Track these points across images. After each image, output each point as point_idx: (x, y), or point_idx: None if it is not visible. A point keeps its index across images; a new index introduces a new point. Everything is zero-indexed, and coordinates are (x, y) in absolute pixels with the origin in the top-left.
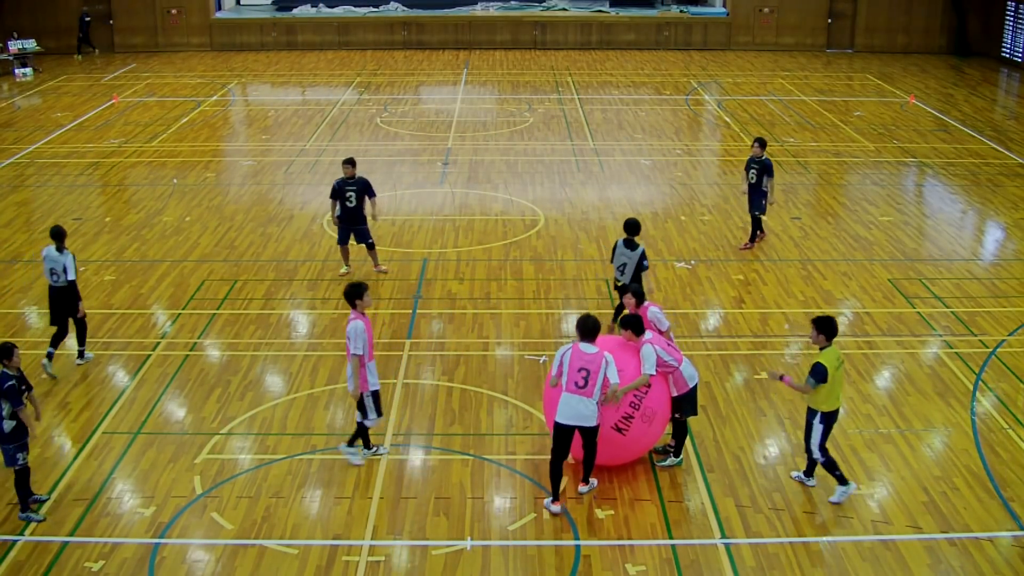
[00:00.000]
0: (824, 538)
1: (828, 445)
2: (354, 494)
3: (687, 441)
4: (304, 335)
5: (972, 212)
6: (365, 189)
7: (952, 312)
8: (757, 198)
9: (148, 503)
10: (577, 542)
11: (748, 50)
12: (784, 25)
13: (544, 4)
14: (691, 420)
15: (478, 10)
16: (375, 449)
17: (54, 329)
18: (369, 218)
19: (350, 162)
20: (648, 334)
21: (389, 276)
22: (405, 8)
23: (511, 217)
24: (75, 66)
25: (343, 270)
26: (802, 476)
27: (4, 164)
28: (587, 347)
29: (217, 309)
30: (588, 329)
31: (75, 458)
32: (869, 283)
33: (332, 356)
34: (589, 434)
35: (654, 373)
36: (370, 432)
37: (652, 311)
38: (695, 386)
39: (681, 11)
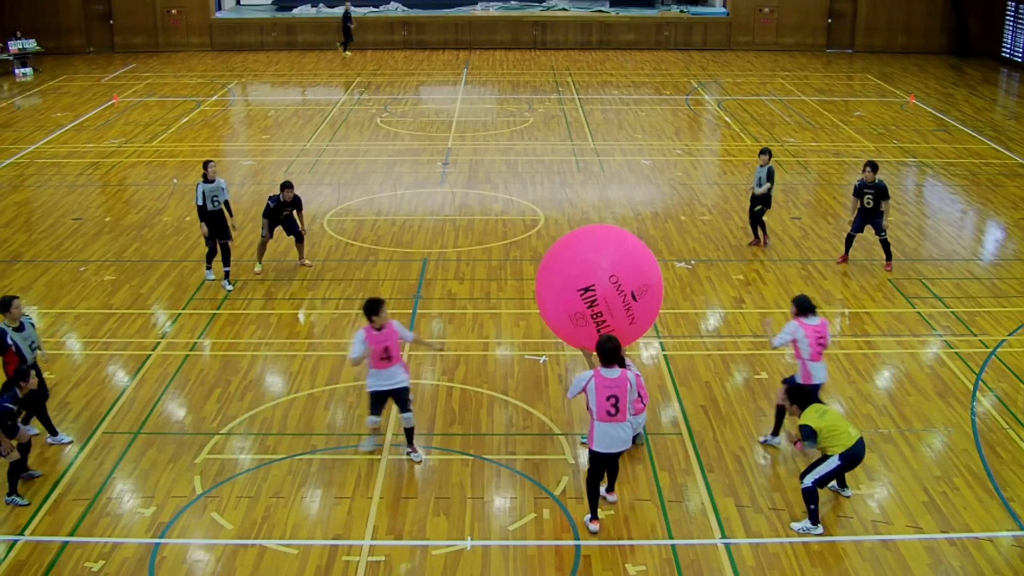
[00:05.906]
0: (823, 538)
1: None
2: (354, 494)
3: (687, 441)
4: (304, 335)
5: (972, 212)
6: (298, 205)
7: (952, 312)
8: (878, 220)
9: (148, 503)
10: (577, 542)
11: (748, 50)
12: (784, 25)
13: (544, 4)
14: (691, 420)
15: (478, 10)
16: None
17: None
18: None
19: (288, 186)
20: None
21: (389, 276)
22: (405, 8)
23: (511, 217)
24: (76, 65)
25: (257, 268)
26: (836, 487)
27: (4, 164)
28: (609, 372)
29: (217, 309)
30: (608, 353)
31: (75, 458)
32: (869, 283)
33: (332, 356)
34: (622, 453)
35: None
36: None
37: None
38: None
39: (681, 11)
